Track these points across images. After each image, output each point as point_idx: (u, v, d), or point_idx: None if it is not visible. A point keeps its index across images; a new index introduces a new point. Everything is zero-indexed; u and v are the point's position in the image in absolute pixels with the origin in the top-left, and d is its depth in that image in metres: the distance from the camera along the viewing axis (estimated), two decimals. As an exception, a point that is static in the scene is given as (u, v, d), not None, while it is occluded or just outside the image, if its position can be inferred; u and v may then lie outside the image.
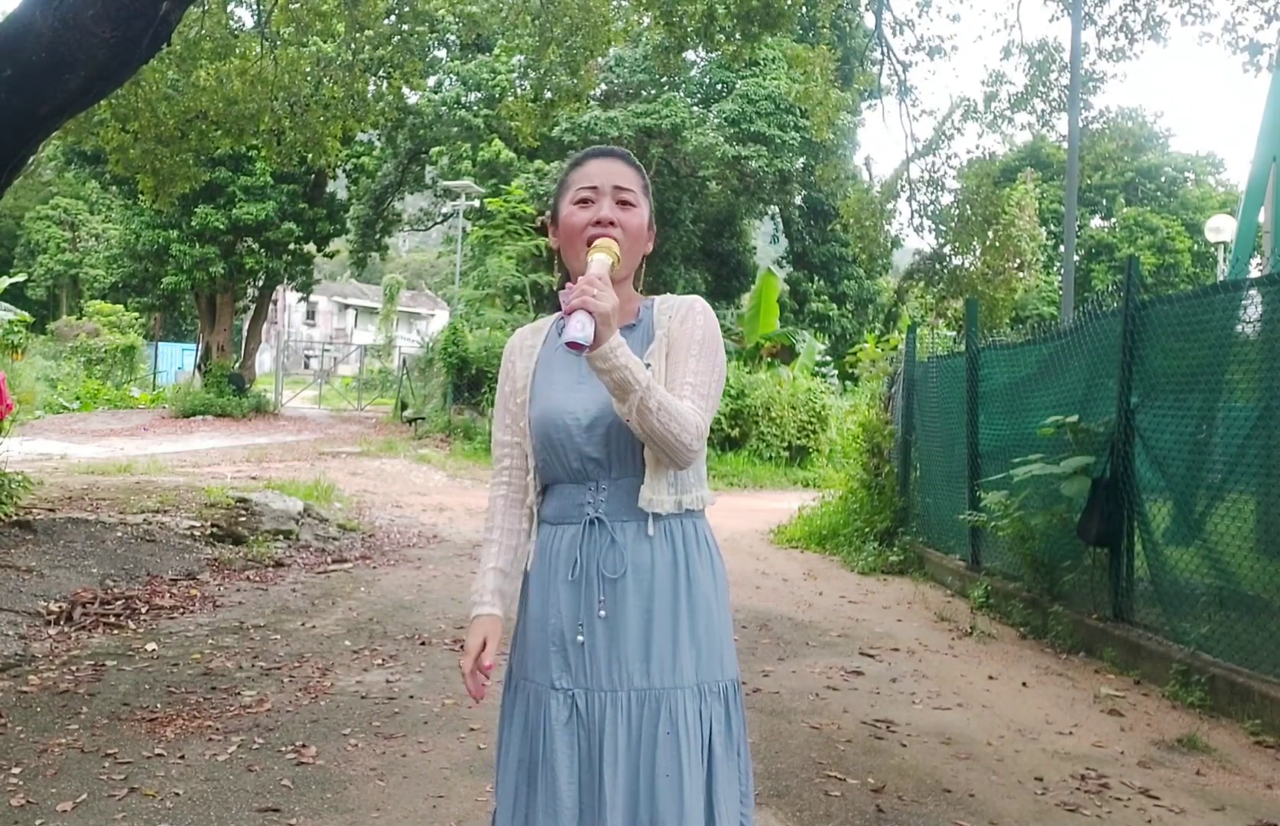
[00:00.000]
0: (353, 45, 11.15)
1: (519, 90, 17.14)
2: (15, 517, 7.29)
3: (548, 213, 1.97)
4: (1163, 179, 37.93)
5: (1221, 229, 16.73)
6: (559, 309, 1.92)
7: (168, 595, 6.10)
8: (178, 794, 3.27)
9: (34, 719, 3.91)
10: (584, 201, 1.83)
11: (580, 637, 1.76)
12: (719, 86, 27.05)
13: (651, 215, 1.92)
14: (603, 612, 1.76)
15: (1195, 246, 33.82)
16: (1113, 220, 38.12)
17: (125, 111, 9.94)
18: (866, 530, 9.16)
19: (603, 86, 25.94)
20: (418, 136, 27.27)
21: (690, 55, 20.19)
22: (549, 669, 1.79)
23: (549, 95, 12.10)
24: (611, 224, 1.81)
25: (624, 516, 1.78)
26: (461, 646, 1.92)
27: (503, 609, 1.89)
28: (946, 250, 16.98)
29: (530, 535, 1.89)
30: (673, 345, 1.81)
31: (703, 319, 1.84)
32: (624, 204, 1.83)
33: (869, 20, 18.64)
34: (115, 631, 5.28)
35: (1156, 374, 5.49)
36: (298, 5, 10.44)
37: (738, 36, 11.38)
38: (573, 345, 1.57)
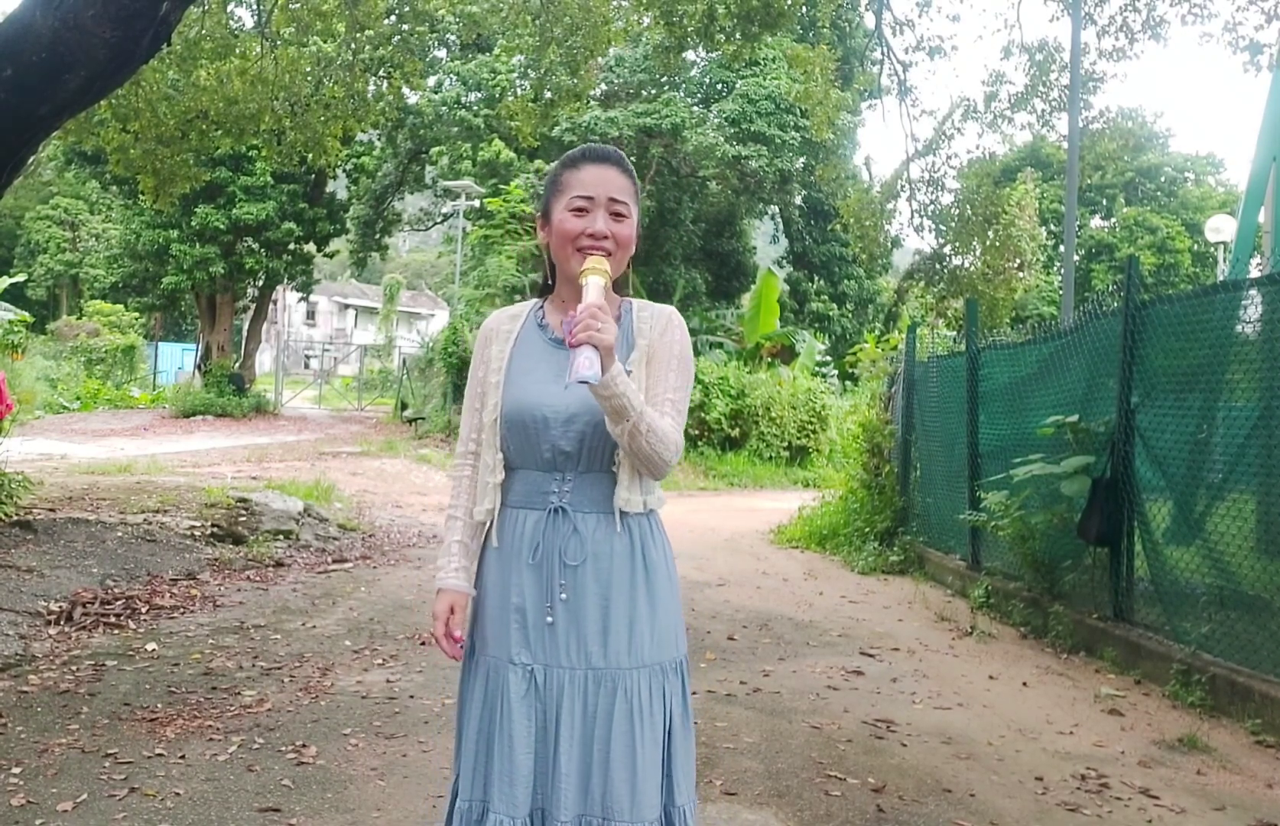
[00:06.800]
0: (353, 45, 11.14)
1: (519, 90, 17.16)
2: (15, 517, 7.28)
3: (537, 207, 2.02)
4: (1163, 179, 37.94)
5: (1221, 229, 16.74)
6: (542, 297, 2.05)
7: (168, 595, 6.10)
8: (178, 793, 3.27)
9: (34, 719, 3.91)
10: (579, 211, 1.89)
11: (549, 619, 1.85)
12: (719, 86, 27.03)
13: (639, 219, 1.98)
14: (564, 596, 1.85)
15: (1195, 246, 33.83)
16: (1113, 220, 38.12)
17: (125, 111, 9.94)
18: (867, 530, 9.16)
19: (603, 86, 25.92)
20: (418, 136, 27.25)
21: (690, 55, 20.22)
22: (508, 643, 1.88)
23: (549, 95, 12.10)
24: (605, 237, 1.87)
25: (586, 508, 1.87)
26: (431, 637, 2.02)
27: (467, 582, 1.99)
28: (946, 250, 16.97)
29: (492, 514, 1.94)
30: (653, 356, 1.91)
31: (680, 333, 1.95)
32: (617, 215, 1.90)
33: (869, 20, 18.64)
34: (115, 631, 5.28)
35: (1157, 374, 5.49)
36: (298, 5, 10.44)
37: (738, 36, 11.38)
38: (582, 380, 1.66)
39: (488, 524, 1.96)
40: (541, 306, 2.03)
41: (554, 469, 1.88)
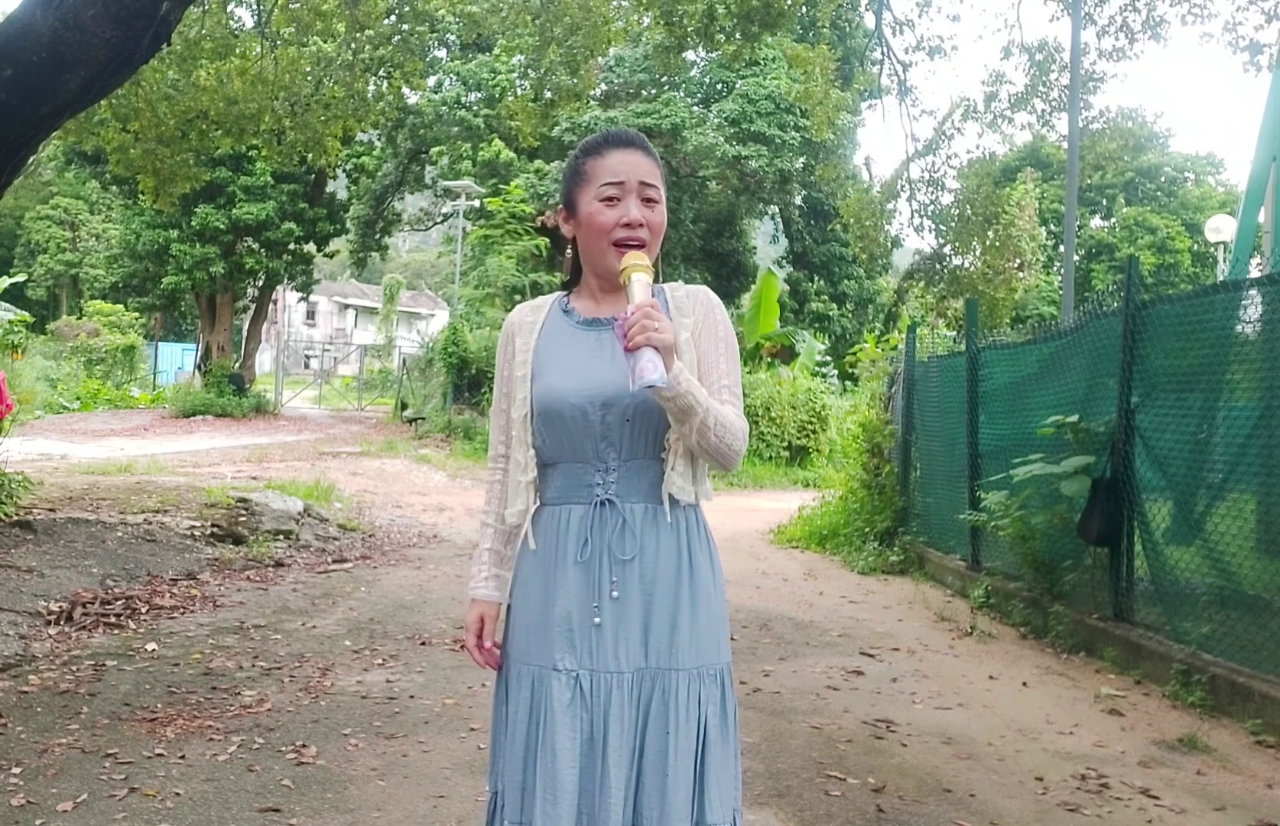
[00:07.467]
0: (353, 45, 11.15)
1: (519, 90, 17.17)
2: (15, 517, 7.29)
3: (557, 201, 1.96)
4: (1163, 179, 37.96)
5: (1221, 229, 16.73)
6: (564, 289, 1.95)
7: (168, 595, 6.10)
8: (178, 794, 3.27)
9: (34, 719, 3.91)
10: (610, 199, 1.78)
11: (596, 620, 1.73)
12: (719, 86, 27.05)
13: (666, 205, 1.90)
14: (615, 594, 1.74)
15: (1195, 246, 33.85)
16: (1113, 220, 38.14)
17: (126, 111, 9.94)
18: (867, 530, 9.16)
19: (603, 86, 25.93)
20: (418, 136, 27.27)
21: (690, 55, 20.20)
22: (550, 650, 1.75)
23: (549, 95, 12.11)
24: (641, 225, 1.78)
25: (634, 498, 1.76)
26: (462, 645, 1.94)
27: (500, 591, 1.91)
28: (946, 250, 17.00)
29: (527, 517, 1.84)
30: (699, 340, 1.82)
31: (721, 314, 1.86)
32: (648, 201, 1.80)
33: (869, 20, 18.66)
34: (115, 631, 5.28)
35: (1157, 374, 5.49)
36: (298, 5, 10.45)
37: (738, 36, 11.39)
38: (648, 385, 1.59)
39: (523, 527, 1.84)
40: (566, 296, 1.93)
41: (596, 458, 1.76)
